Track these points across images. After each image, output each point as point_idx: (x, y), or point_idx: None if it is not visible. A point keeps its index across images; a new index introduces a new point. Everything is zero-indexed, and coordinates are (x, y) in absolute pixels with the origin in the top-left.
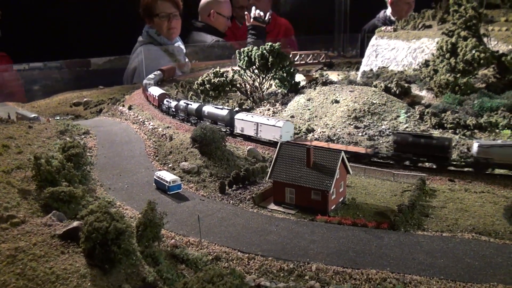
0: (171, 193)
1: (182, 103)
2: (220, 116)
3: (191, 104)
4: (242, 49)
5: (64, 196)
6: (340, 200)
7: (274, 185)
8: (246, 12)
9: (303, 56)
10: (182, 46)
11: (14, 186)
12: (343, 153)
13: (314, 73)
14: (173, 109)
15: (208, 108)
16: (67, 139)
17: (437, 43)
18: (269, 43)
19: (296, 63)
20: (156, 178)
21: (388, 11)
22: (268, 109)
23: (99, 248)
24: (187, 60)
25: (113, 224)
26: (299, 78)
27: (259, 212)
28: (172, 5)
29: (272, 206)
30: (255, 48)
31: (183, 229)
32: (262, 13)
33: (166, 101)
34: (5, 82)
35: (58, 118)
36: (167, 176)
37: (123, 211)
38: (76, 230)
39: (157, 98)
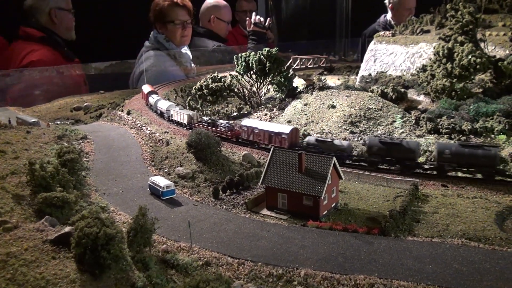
0: (164, 198)
1: (374, 141)
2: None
3: (437, 147)
4: (239, 54)
5: (57, 201)
6: (332, 205)
7: (266, 190)
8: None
9: (303, 60)
10: (189, 52)
11: (8, 192)
12: (334, 159)
13: (314, 78)
14: (345, 152)
15: (457, 148)
16: (65, 144)
17: (434, 48)
18: (266, 48)
19: (296, 67)
20: (150, 183)
21: (389, 15)
22: (265, 114)
23: (89, 254)
24: (193, 65)
25: (103, 229)
26: (300, 82)
27: (251, 217)
28: (187, 13)
29: (265, 212)
30: (252, 53)
31: (175, 234)
32: (262, 19)
33: (317, 140)
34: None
35: (59, 122)
36: (161, 182)
37: (117, 216)
38: (68, 235)
39: (285, 136)
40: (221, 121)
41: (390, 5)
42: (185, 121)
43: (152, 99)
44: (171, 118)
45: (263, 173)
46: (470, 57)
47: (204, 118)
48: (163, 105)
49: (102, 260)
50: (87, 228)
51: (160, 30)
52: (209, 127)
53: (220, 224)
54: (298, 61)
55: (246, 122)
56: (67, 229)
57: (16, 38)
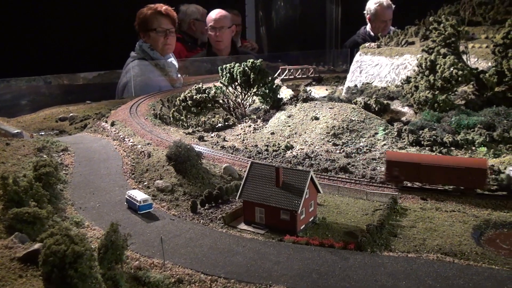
0: (141, 212)
1: None
2: None
3: None
4: (224, 66)
5: (28, 217)
6: (310, 220)
7: (244, 204)
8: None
9: (291, 70)
10: (175, 62)
11: None
12: (311, 172)
13: (300, 88)
14: None
15: None
16: (44, 156)
17: (417, 60)
18: (251, 60)
19: (284, 77)
20: (127, 197)
21: (368, 26)
22: (249, 126)
23: (57, 272)
24: (179, 75)
25: (71, 247)
26: (288, 93)
27: (228, 232)
28: (170, 22)
29: (242, 226)
30: (237, 64)
31: (149, 250)
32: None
33: None
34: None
35: (43, 133)
36: (138, 195)
37: (91, 231)
38: (36, 252)
39: None
40: None
41: (368, 16)
42: None
43: None
44: None
45: (240, 187)
46: (452, 69)
47: None
48: None
49: (69, 279)
50: (54, 246)
51: (143, 39)
52: None
53: (196, 240)
54: (287, 71)
55: None
56: (36, 246)
57: None
